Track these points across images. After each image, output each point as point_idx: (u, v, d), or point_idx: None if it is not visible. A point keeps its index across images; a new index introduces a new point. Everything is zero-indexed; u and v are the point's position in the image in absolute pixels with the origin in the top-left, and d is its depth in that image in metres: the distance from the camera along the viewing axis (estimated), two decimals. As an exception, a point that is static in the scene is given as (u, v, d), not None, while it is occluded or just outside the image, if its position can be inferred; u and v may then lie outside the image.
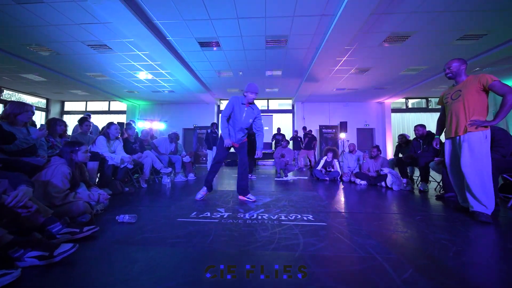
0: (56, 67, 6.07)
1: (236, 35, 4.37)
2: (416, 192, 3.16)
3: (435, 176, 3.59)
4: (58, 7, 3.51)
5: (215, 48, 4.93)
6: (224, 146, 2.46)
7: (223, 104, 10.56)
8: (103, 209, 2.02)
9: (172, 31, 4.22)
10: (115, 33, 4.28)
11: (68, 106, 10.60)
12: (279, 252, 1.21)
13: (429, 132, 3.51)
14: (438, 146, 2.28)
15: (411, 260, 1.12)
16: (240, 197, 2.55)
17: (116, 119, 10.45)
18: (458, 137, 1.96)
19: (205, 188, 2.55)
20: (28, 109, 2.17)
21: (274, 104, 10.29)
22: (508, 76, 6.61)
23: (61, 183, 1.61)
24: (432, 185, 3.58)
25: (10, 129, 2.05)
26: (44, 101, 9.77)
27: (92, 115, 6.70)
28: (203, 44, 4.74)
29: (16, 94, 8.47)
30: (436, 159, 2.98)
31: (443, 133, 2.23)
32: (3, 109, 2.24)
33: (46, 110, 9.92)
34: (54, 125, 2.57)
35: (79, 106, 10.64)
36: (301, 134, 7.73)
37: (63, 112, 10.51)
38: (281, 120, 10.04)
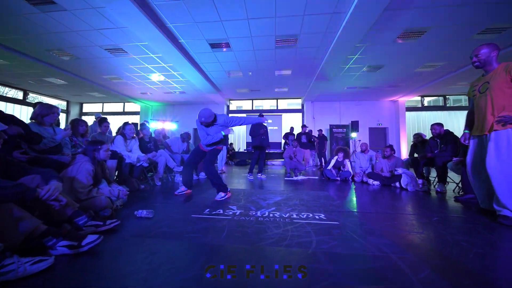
0: (75, 70, 6.41)
1: (246, 36, 4.42)
2: (433, 193, 3.05)
3: (453, 177, 3.44)
4: (79, 14, 3.72)
5: (225, 49, 5.00)
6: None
7: (233, 104, 10.67)
8: (122, 204, 2.13)
9: (184, 33, 4.34)
10: (130, 37, 4.46)
11: (86, 107, 11.13)
12: (292, 249, 1.23)
13: (447, 131, 3.37)
14: (466, 141, 2.05)
15: (428, 260, 1.10)
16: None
17: (131, 119, 10.85)
18: (484, 136, 1.83)
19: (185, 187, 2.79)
20: (54, 111, 2.33)
21: (283, 104, 10.26)
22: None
23: (85, 179, 1.72)
24: (450, 186, 3.44)
25: (38, 129, 2.21)
26: (64, 103, 10.33)
27: (107, 116, 7.01)
28: (214, 46, 4.83)
29: (39, 97, 9.02)
30: (454, 159, 2.86)
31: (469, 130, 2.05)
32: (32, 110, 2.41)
33: (66, 111, 10.48)
34: (77, 125, 2.73)
35: (96, 107, 11.14)
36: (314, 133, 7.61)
37: (81, 113, 11.05)
38: (291, 120, 9.98)
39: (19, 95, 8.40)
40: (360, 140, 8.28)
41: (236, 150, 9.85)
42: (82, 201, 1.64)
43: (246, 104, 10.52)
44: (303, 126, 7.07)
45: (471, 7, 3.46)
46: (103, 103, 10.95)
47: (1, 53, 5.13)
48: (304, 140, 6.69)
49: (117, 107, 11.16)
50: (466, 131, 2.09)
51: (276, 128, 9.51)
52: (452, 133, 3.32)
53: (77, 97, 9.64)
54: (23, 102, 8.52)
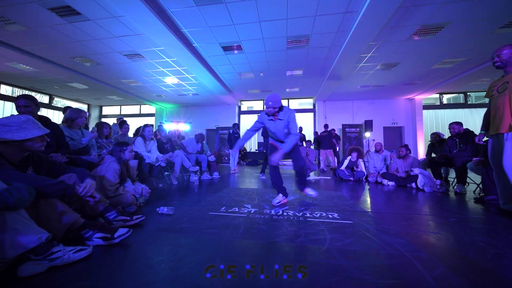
0: (96, 75, 6.81)
1: (258, 38, 4.49)
2: (452, 194, 2.95)
3: (474, 178, 3.30)
4: (101, 22, 3.97)
5: (237, 52, 5.11)
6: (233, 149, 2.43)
7: (244, 105, 10.80)
8: (144, 202, 2.28)
9: (198, 38, 4.49)
10: (147, 43, 4.69)
11: (105, 110, 11.74)
12: (307, 245, 1.28)
13: (467, 130, 3.24)
14: (481, 141, 2.11)
15: (443, 259, 1.11)
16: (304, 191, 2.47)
17: (146, 121, 11.31)
18: (502, 135, 1.81)
19: (281, 195, 2.38)
20: (83, 115, 2.54)
21: (295, 104, 10.23)
22: None
23: (113, 178, 1.87)
24: (471, 187, 3.30)
25: (68, 132, 2.41)
26: (85, 106, 10.96)
27: (125, 118, 7.38)
28: (226, 48, 4.95)
29: (63, 100, 9.65)
30: (474, 159, 2.76)
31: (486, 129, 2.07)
32: (63, 114, 2.63)
33: (87, 114, 11.13)
34: (101, 127, 2.94)
35: (115, 110, 11.72)
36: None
37: (101, 116, 11.67)
38: (302, 120, 9.94)
39: (45, 99, 9.05)
40: (374, 140, 8.08)
41: (248, 150, 9.96)
42: (110, 198, 1.78)
43: (257, 105, 10.61)
44: (325, 126, 6.99)
45: (489, 2, 3.31)
46: (120, 105, 11.50)
47: (30, 61, 5.57)
48: (327, 140, 6.56)
49: (133, 109, 11.66)
50: (482, 131, 2.10)
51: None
52: (472, 132, 3.20)
53: (97, 100, 10.20)
54: (49, 106, 9.16)
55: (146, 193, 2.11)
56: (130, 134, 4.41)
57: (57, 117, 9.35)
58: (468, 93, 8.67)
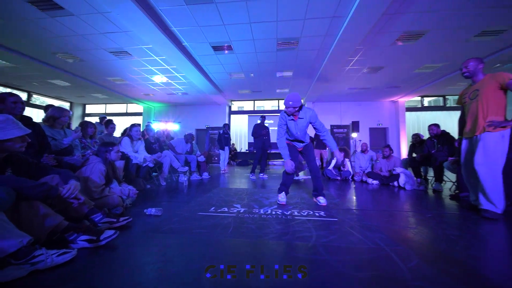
0: (80, 72, 6.53)
1: (248, 39, 4.52)
2: (430, 192, 3.14)
3: (450, 176, 3.53)
4: (86, 18, 3.83)
5: (227, 52, 5.11)
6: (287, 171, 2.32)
7: (235, 105, 10.78)
8: (131, 203, 2.24)
9: (187, 36, 4.44)
10: (135, 40, 4.57)
11: (89, 109, 11.27)
12: (294, 242, 1.33)
13: (444, 131, 3.46)
14: (457, 145, 2.29)
15: (418, 252, 1.20)
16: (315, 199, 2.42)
17: (133, 120, 10.97)
18: (475, 136, 1.97)
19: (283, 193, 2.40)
20: (66, 114, 2.44)
21: (284, 104, 10.34)
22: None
23: (98, 179, 1.83)
24: (447, 185, 3.52)
25: (50, 131, 2.32)
26: (67, 104, 10.46)
27: (111, 117, 7.14)
28: (216, 48, 4.93)
29: (42, 98, 9.16)
30: (450, 158, 2.95)
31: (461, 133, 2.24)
32: (44, 113, 2.53)
33: (71, 113, 10.64)
34: (86, 127, 2.84)
35: (100, 108, 11.27)
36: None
37: (84, 114, 11.19)
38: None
39: (23, 96, 8.54)
40: (360, 140, 8.37)
41: (238, 150, 9.96)
42: (96, 200, 1.74)
43: (247, 105, 10.63)
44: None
45: (467, 11, 3.55)
46: (106, 104, 11.08)
47: (7, 56, 5.26)
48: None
49: (120, 108, 11.28)
50: (460, 136, 2.28)
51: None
52: (448, 133, 3.42)
53: (81, 98, 9.77)
54: (27, 103, 8.66)
55: (133, 194, 2.07)
56: (118, 134, 4.29)
57: (36, 116, 8.85)
58: (446, 97, 9.21)
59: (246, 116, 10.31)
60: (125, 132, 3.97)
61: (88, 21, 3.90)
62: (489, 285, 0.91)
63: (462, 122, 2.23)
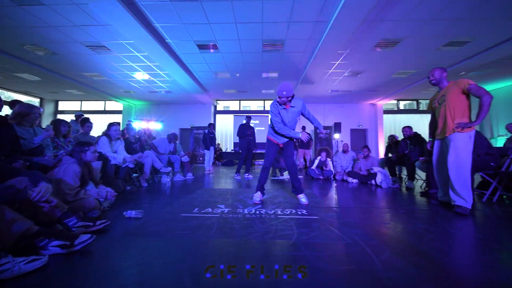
0: (52, 66, 6.07)
1: (234, 39, 4.51)
2: (404, 189, 3.37)
3: (421, 175, 3.81)
4: (59, 9, 3.57)
5: (212, 51, 5.05)
6: (300, 139, 2.30)
7: (220, 105, 10.67)
8: (109, 206, 2.14)
9: (171, 34, 4.33)
10: (115, 35, 4.35)
11: (62, 105, 10.51)
12: (276, 240, 1.37)
13: (415, 133, 3.74)
14: (430, 147, 2.46)
15: (390, 245, 1.30)
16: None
17: (112, 119, 10.43)
18: (446, 138, 2.14)
19: (259, 193, 2.44)
20: (35, 111, 2.27)
21: (270, 105, 10.45)
22: (491, 80, 6.97)
23: (72, 181, 1.73)
24: (419, 183, 3.80)
25: (17, 130, 2.14)
26: (37, 100, 9.66)
27: (87, 115, 6.73)
28: (202, 47, 4.86)
29: (5, 92, 8.34)
30: (421, 158, 3.19)
31: (432, 136, 2.43)
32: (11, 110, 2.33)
33: (41, 110, 9.82)
34: (59, 126, 2.66)
35: (74, 105, 10.55)
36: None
37: (57, 111, 10.41)
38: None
39: (-15, 90, 7.75)
40: (342, 141, 8.71)
41: (224, 150, 9.87)
42: (70, 203, 1.64)
43: (233, 105, 10.58)
44: (303, 128, 7.43)
45: (436, 22, 3.87)
46: (81, 101, 10.41)
47: (-34, 46, 4.75)
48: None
49: (97, 105, 10.66)
50: (430, 139, 2.46)
51: (264, 129, 9.68)
52: (419, 135, 3.70)
53: (52, 94, 9.08)
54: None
55: (111, 196, 1.98)
56: (95, 133, 4.06)
57: None
58: (419, 100, 9.92)
59: (231, 116, 10.26)
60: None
61: (62, 12, 3.65)
62: (450, 274, 1.01)
63: (432, 126, 2.43)
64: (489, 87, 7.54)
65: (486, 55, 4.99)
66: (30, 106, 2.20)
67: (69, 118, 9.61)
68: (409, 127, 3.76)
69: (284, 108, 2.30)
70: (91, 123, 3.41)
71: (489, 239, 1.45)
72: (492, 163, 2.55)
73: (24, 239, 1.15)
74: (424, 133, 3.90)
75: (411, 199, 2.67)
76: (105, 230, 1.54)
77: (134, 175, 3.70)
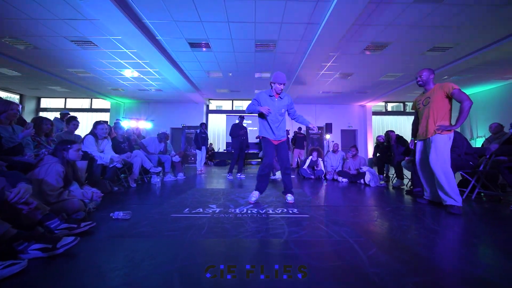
0: (33, 61, 5.78)
1: (226, 38, 4.48)
2: (391, 188, 3.49)
3: (408, 174, 3.95)
4: (41, 1, 3.41)
5: (205, 49, 5.00)
6: (261, 111, 2.28)
7: (213, 104, 10.58)
8: (95, 207, 2.06)
9: (162, 30, 4.24)
10: (102, 30, 4.21)
11: (45, 102, 10.03)
12: (267, 239, 1.37)
13: (398, 135, 3.96)
14: (413, 146, 2.57)
15: (376, 241, 1.34)
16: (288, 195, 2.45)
17: (99, 117, 10.08)
18: (428, 139, 2.23)
19: (257, 192, 2.40)
20: (13, 108, 2.15)
21: (262, 105, 10.47)
22: (471, 85, 7.35)
23: (55, 181, 1.65)
24: (406, 182, 3.94)
25: (-6, 128, 2.02)
26: (17, 97, 9.17)
27: (72, 113, 6.46)
28: (193, 45, 4.80)
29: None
30: (406, 158, 3.31)
31: (415, 135, 2.51)
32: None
33: (20, 107, 9.32)
34: (40, 123, 2.53)
35: (57, 103, 10.10)
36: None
37: (38, 109, 9.93)
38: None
39: (-41, 86, 7.26)
40: (333, 141, 8.89)
41: (216, 150, 9.80)
42: (52, 204, 1.57)
43: (226, 104, 10.52)
44: (299, 128, 7.50)
45: (422, 28, 4.03)
46: (66, 98, 9.98)
47: None
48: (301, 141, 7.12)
49: (83, 103, 10.26)
50: (412, 138, 2.55)
51: (256, 129, 9.69)
52: (402, 137, 3.91)
53: (34, 90, 8.64)
54: (-36, 94, 7.38)
55: (97, 197, 1.91)
56: (82, 132, 3.89)
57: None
58: (406, 103, 10.29)
59: (224, 115, 10.20)
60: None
61: (44, 4, 3.49)
62: (432, 267, 1.06)
63: (415, 125, 2.52)
64: (469, 91, 7.94)
65: (467, 61, 5.26)
66: (6, 103, 2.08)
67: (52, 116, 9.22)
68: (392, 131, 3.96)
69: (271, 96, 2.37)
70: (77, 122, 3.27)
71: (468, 234, 1.53)
72: (471, 163, 2.68)
73: (1, 243, 1.09)
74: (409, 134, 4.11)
75: (397, 197, 2.76)
76: (90, 232, 1.49)
77: (122, 175, 3.59)
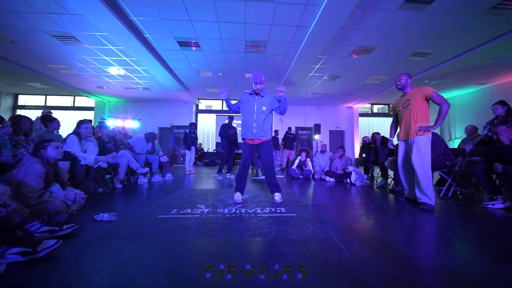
0: (10, 56, 5.45)
1: (216, 38, 4.47)
2: (375, 187, 3.63)
3: (391, 173, 4.14)
4: (20, -7, 3.24)
5: (194, 48, 4.95)
6: (220, 97, 2.46)
7: (202, 104, 10.46)
8: (78, 209, 2.00)
9: (150, 28, 4.15)
10: (86, 26, 4.05)
11: (23, 99, 9.47)
12: (255, 238, 1.40)
13: (383, 136, 4.11)
14: (392, 146, 2.68)
15: (359, 238, 1.40)
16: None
17: (82, 116, 9.68)
18: (409, 140, 2.34)
19: (239, 193, 2.46)
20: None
21: (253, 105, 10.49)
22: (450, 89, 7.79)
23: (35, 182, 1.58)
24: (390, 181, 4.12)
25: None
26: (-8, 93, 8.59)
27: (53, 111, 6.15)
28: (183, 44, 4.73)
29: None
30: (390, 158, 3.47)
31: (397, 136, 2.63)
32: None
33: (-5, 103, 8.75)
34: (19, 122, 2.40)
35: (38, 100, 9.58)
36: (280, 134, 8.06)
37: (16, 106, 9.36)
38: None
39: None
40: (322, 142, 9.09)
41: (206, 150, 9.70)
42: (33, 206, 1.51)
43: (216, 104, 10.44)
44: (289, 128, 7.60)
45: (405, 34, 4.23)
46: (46, 95, 9.48)
47: None
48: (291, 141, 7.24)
49: (64, 101, 9.79)
50: (391, 138, 2.68)
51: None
52: (386, 138, 4.05)
53: (11, 87, 8.15)
54: None
55: (81, 199, 1.86)
56: (64, 131, 3.74)
57: None
58: (390, 105, 10.71)
59: (214, 115, 10.12)
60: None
61: (23, -3, 3.30)
62: (410, 261, 1.13)
63: (394, 127, 2.66)
64: (448, 94, 8.41)
65: (446, 66, 5.57)
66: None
67: (30, 114, 8.75)
68: (378, 133, 4.13)
69: (251, 95, 2.42)
70: (57, 121, 3.13)
71: (443, 229, 1.63)
72: (448, 162, 2.86)
73: (-24, 248, 1.04)
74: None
75: (381, 196, 2.89)
76: (73, 234, 1.44)
77: (107, 176, 3.48)
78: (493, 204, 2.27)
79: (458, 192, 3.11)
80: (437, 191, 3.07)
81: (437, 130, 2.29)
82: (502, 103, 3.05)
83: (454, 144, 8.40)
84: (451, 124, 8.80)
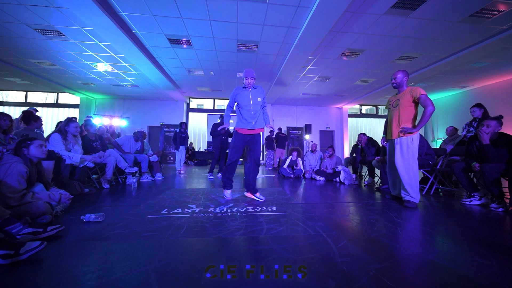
0: (-13, 49, 5.13)
1: (208, 36, 4.43)
2: (363, 185, 3.75)
3: (378, 172, 4.29)
4: (-2, -17, 3.06)
5: (185, 46, 4.88)
6: (219, 129, 2.54)
7: (193, 103, 10.33)
8: (63, 210, 1.93)
9: (139, 24, 4.05)
10: (71, 20, 3.90)
11: (2, 95, 8.95)
12: (246, 236, 1.42)
13: (369, 137, 4.27)
14: (383, 143, 2.69)
15: (346, 234, 1.45)
16: (248, 194, 2.56)
17: (67, 113, 9.28)
18: (393, 140, 2.41)
19: (229, 190, 2.55)
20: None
21: (245, 105, 10.49)
22: (433, 91, 8.16)
23: (16, 182, 1.51)
24: (377, 180, 4.27)
25: None
26: (-34, 88, 8.06)
27: (36, 108, 5.85)
28: (173, 41, 4.66)
29: None
30: (376, 158, 3.59)
31: (384, 135, 2.70)
32: None
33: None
34: (-3, 119, 2.29)
35: (17, 96, 9.08)
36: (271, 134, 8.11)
37: (-7, 102, 8.83)
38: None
39: None
40: (312, 141, 9.24)
41: (197, 149, 9.59)
42: (14, 208, 1.44)
43: (207, 103, 10.34)
44: (279, 129, 7.67)
45: (391, 38, 4.39)
46: (26, 91, 9.01)
47: None
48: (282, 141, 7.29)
49: (47, 97, 9.35)
50: (384, 135, 2.72)
51: (237, 128, 9.68)
52: (372, 138, 4.21)
53: (-12, 81, 7.67)
54: None
55: (66, 199, 1.79)
56: (47, 129, 3.58)
57: None
58: (378, 106, 11.07)
59: (205, 114, 10.02)
60: (57, 127, 3.35)
61: (2, -13, 3.13)
62: (393, 255, 1.19)
63: (387, 124, 2.67)
64: (431, 97, 8.82)
65: (429, 70, 5.84)
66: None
67: (9, 110, 8.30)
68: (364, 134, 4.27)
69: (244, 88, 2.48)
70: (40, 120, 2.99)
71: (424, 225, 1.73)
72: (430, 162, 3.01)
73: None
74: (380, 136, 4.45)
75: (368, 194, 2.99)
76: (58, 236, 1.40)
77: (94, 176, 3.37)
78: (471, 201, 2.41)
79: (439, 189, 3.27)
80: (420, 189, 3.21)
81: (420, 131, 2.36)
82: (479, 105, 3.24)
83: (437, 144, 8.81)
84: (434, 125, 9.23)
